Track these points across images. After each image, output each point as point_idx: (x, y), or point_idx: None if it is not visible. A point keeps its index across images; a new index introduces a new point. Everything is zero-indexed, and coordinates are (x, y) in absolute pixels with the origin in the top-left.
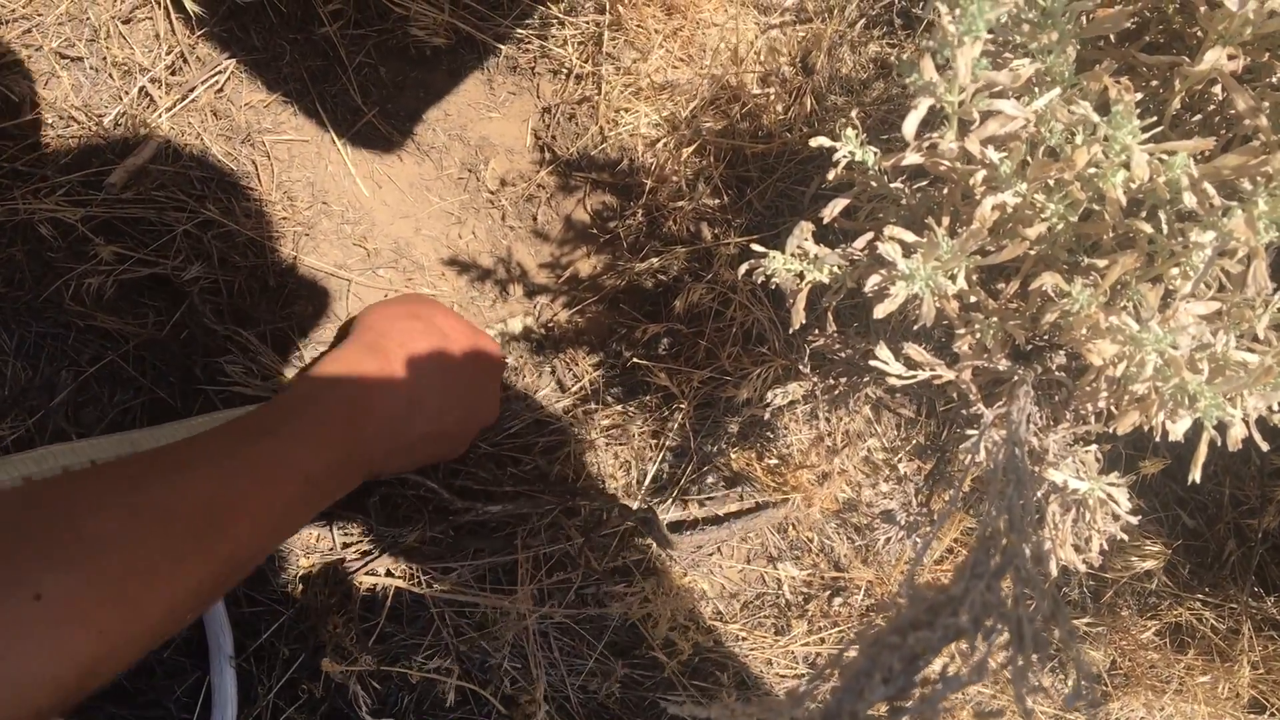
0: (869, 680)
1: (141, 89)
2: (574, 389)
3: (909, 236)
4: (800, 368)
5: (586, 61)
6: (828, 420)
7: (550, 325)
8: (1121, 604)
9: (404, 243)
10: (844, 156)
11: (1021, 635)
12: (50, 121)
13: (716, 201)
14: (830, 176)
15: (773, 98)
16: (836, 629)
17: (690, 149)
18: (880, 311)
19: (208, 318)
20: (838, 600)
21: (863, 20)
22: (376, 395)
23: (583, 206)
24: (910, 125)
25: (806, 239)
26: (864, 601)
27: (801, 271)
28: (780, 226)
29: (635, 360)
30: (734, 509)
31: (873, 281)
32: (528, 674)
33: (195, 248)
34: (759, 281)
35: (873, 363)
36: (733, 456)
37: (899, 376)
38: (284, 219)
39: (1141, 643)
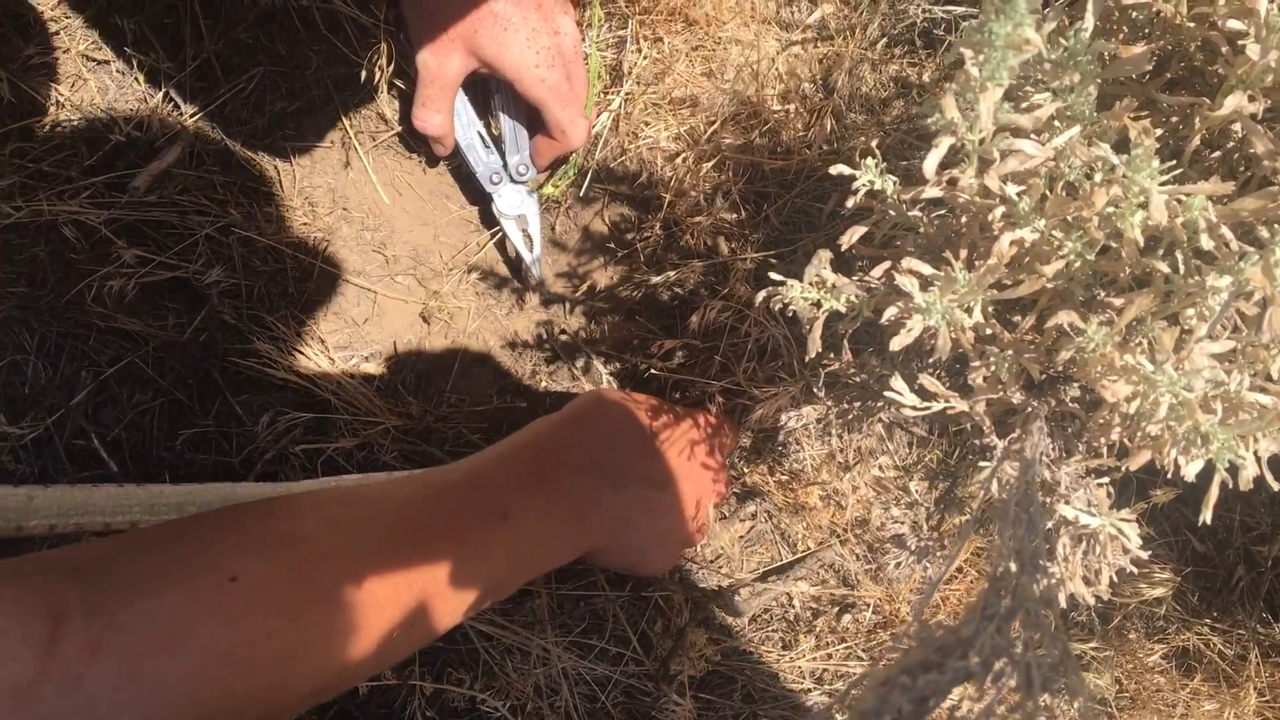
0: None
1: (166, 94)
2: None
3: (926, 269)
4: (815, 391)
5: (608, 76)
6: (840, 437)
7: (566, 334)
8: (1129, 627)
9: (423, 250)
10: (863, 185)
11: (1031, 681)
12: (76, 124)
13: (734, 216)
14: (849, 204)
15: (792, 114)
16: (844, 645)
17: (709, 164)
18: (896, 344)
19: (227, 315)
20: (846, 617)
21: (884, 39)
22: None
23: (600, 218)
24: (931, 164)
25: (824, 268)
26: (872, 619)
27: (819, 300)
28: (797, 243)
29: (653, 371)
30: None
31: (890, 313)
32: (534, 685)
33: (217, 252)
34: (777, 309)
35: (887, 394)
36: (745, 470)
37: (913, 408)
38: (305, 224)
39: (1147, 666)
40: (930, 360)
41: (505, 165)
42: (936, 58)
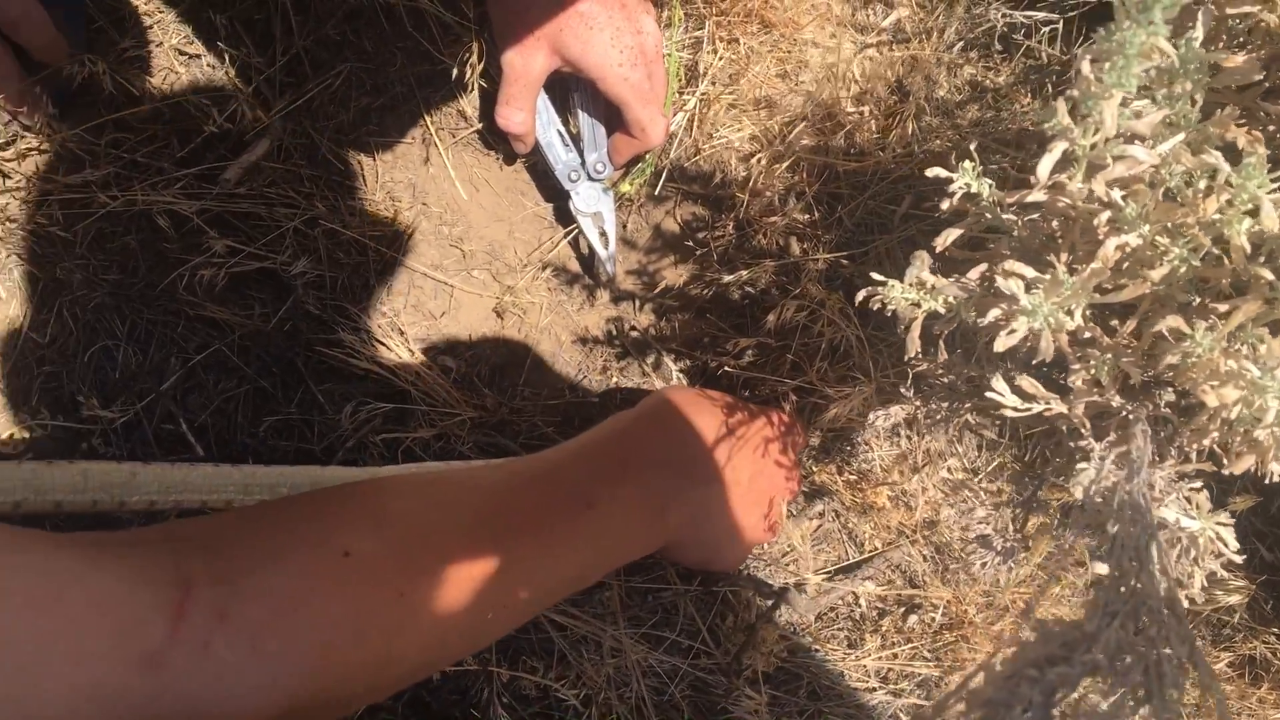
0: (1009, 711)
1: (256, 88)
2: None
3: (1029, 272)
4: (903, 391)
5: (684, 75)
6: (909, 439)
7: (637, 330)
8: (1196, 634)
9: (498, 245)
10: (960, 188)
11: (1161, 675)
12: (169, 116)
13: (807, 217)
14: (945, 206)
15: (866, 116)
16: (909, 645)
17: (783, 165)
18: (1000, 345)
19: (311, 306)
20: (913, 618)
21: (960, 43)
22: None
23: (672, 216)
24: (1045, 168)
25: (925, 270)
26: (939, 620)
27: (918, 300)
28: (869, 244)
29: (726, 369)
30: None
31: (992, 315)
32: (606, 676)
33: (303, 244)
34: (875, 309)
35: (988, 394)
36: (814, 470)
37: (1014, 409)
38: (387, 219)
39: (1214, 674)
40: (1033, 362)
41: (583, 163)
42: (1012, 62)
